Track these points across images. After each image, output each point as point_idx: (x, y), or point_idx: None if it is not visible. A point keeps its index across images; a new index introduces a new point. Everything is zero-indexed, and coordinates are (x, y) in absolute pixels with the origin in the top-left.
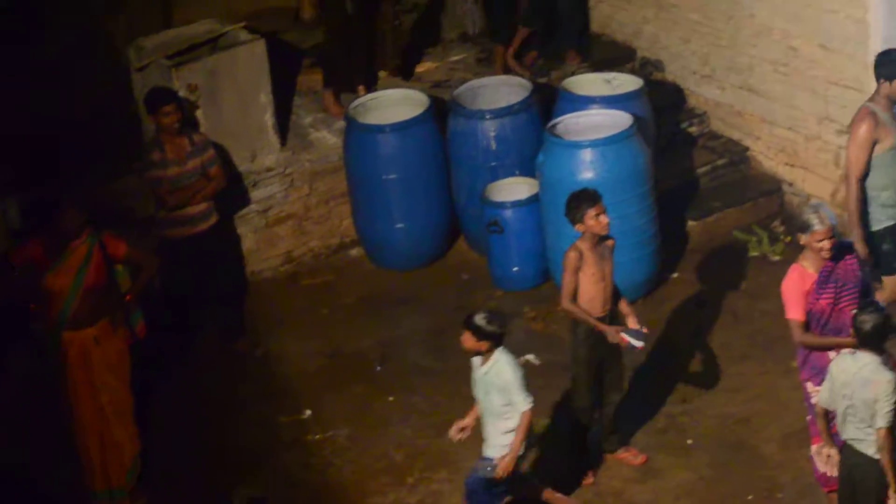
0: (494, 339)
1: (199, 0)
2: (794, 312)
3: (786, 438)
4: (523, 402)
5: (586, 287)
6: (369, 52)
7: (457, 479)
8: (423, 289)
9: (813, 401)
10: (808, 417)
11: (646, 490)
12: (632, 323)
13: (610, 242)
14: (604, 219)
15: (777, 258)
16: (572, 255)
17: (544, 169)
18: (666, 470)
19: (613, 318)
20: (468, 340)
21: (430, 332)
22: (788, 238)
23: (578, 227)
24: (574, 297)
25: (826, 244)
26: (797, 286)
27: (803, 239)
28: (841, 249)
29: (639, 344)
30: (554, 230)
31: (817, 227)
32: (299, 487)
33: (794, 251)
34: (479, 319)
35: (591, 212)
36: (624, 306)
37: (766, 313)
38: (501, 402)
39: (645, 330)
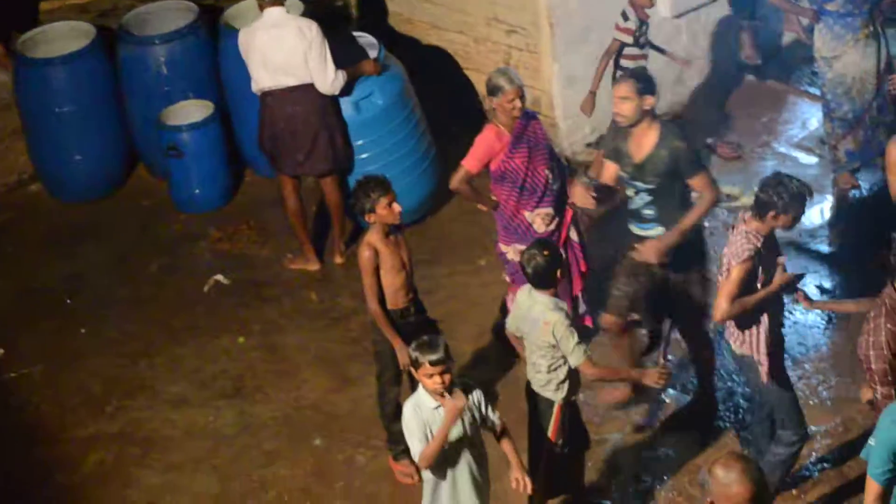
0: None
1: None
2: (471, 163)
3: (479, 336)
4: None
5: (389, 281)
6: None
7: (155, 404)
8: (107, 218)
9: (510, 257)
10: (505, 276)
11: (345, 399)
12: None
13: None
14: (396, 207)
15: None
16: (366, 254)
17: None
18: (363, 377)
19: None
20: None
21: (117, 261)
22: None
23: (369, 218)
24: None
25: (517, 103)
26: (489, 143)
27: (495, 102)
28: (527, 115)
29: None
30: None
31: (507, 87)
32: None
33: None
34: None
35: (384, 201)
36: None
37: (444, 219)
38: None
39: None
